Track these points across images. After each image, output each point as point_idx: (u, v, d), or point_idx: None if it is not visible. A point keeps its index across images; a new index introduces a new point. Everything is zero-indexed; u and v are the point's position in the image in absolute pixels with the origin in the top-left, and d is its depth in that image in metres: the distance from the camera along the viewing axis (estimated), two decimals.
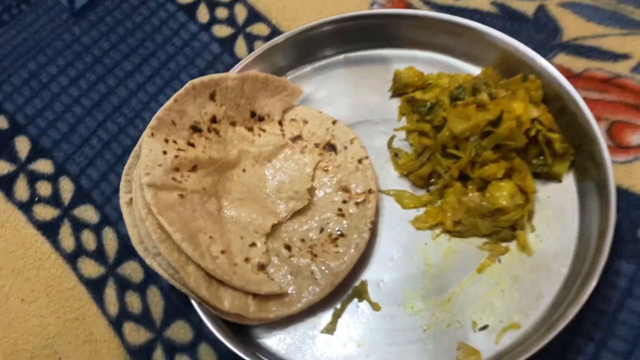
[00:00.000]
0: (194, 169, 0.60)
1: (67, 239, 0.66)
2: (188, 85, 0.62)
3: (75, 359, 0.60)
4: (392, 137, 0.67)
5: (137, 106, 0.73)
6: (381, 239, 0.62)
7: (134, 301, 0.62)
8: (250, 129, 0.66)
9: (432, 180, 0.64)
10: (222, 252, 0.57)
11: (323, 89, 0.72)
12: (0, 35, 0.79)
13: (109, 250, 0.65)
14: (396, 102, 0.70)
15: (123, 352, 0.60)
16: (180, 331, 0.60)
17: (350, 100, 0.71)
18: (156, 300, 0.61)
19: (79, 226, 0.66)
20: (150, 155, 0.58)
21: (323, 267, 0.58)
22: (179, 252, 0.55)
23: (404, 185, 0.65)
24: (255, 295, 0.56)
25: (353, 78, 0.72)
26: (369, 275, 0.60)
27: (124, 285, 0.62)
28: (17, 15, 0.81)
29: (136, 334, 0.60)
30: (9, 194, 0.69)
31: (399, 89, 0.70)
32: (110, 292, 0.62)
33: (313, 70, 0.74)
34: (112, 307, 0.62)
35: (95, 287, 0.63)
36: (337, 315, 0.58)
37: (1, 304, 0.63)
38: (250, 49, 0.77)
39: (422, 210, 0.63)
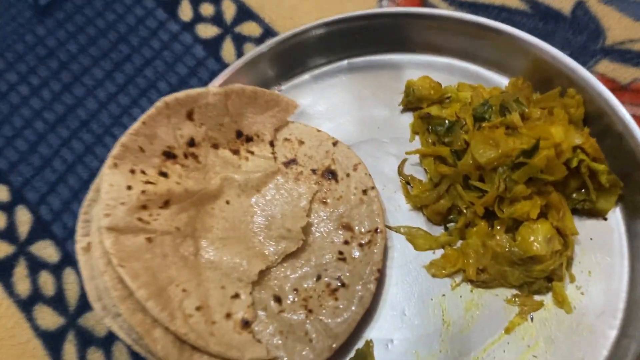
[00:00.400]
0: (165, 204, 0.50)
1: (22, 281, 0.56)
2: (159, 103, 0.52)
3: None
4: (404, 161, 0.58)
5: (108, 121, 0.63)
6: (390, 289, 0.52)
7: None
8: (236, 152, 0.56)
9: (452, 216, 0.54)
10: (198, 308, 0.48)
11: (323, 101, 0.62)
12: None
13: (69, 297, 0.55)
14: (408, 118, 0.60)
15: None
16: None
17: (355, 115, 0.61)
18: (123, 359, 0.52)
19: (36, 266, 0.57)
20: (111, 192, 0.48)
21: (319, 327, 0.49)
22: (144, 312, 0.45)
23: (418, 221, 0.55)
24: None
25: (358, 88, 0.62)
26: (375, 333, 0.51)
27: (86, 340, 0.53)
28: None
29: None
30: None
31: (412, 102, 0.59)
32: (70, 348, 0.53)
33: (311, 79, 0.63)
34: None
35: (52, 342, 0.54)
36: None
37: None
38: (240, 53, 0.67)
39: (439, 253, 0.53)
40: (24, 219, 0.59)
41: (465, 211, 0.52)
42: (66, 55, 0.68)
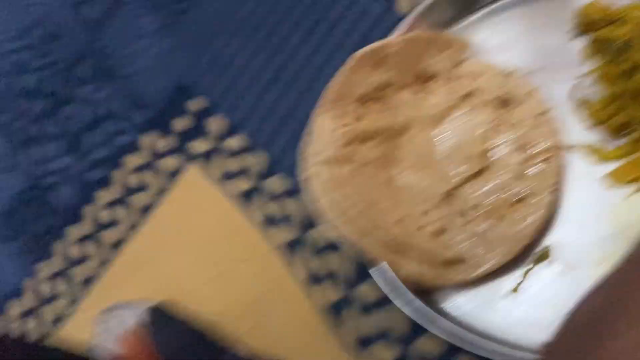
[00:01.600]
0: (363, 141, 0.62)
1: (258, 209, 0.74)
2: (351, 59, 0.62)
3: (275, 314, 0.68)
4: (576, 85, 0.61)
5: (309, 75, 0.77)
6: (568, 201, 0.57)
7: (322, 263, 0.68)
8: (418, 92, 0.65)
9: (628, 130, 0.56)
10: (397, 222, 0.58)
11: (496, 36, 0.66)
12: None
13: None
14: (579, 44, 0.62)
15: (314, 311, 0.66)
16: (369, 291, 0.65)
17: (527, 46, 0.64)
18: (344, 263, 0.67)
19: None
20: (322, 135, 0.60)
21: (501, 234, 0.57)
22: (355, 225, 0.58)
23: (592, 139, 0.58)
24: (432, 263, 0.57)
25: (528, 20, 0.65)
26: (552, 240, 0.57)
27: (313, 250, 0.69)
28: None
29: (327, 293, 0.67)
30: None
31: (582, 28, 0.61)
32: (301, 256, 0.69)
33: (485, 16, 0.68)
34: (302, 270, 0.68)
35: (288, 252, 0.70)
36: (520, 280, 0.56)
37: (215, 266, 0.74)
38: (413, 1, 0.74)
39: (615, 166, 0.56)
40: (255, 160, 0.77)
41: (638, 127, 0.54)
42: (269, 26, 0.82)
